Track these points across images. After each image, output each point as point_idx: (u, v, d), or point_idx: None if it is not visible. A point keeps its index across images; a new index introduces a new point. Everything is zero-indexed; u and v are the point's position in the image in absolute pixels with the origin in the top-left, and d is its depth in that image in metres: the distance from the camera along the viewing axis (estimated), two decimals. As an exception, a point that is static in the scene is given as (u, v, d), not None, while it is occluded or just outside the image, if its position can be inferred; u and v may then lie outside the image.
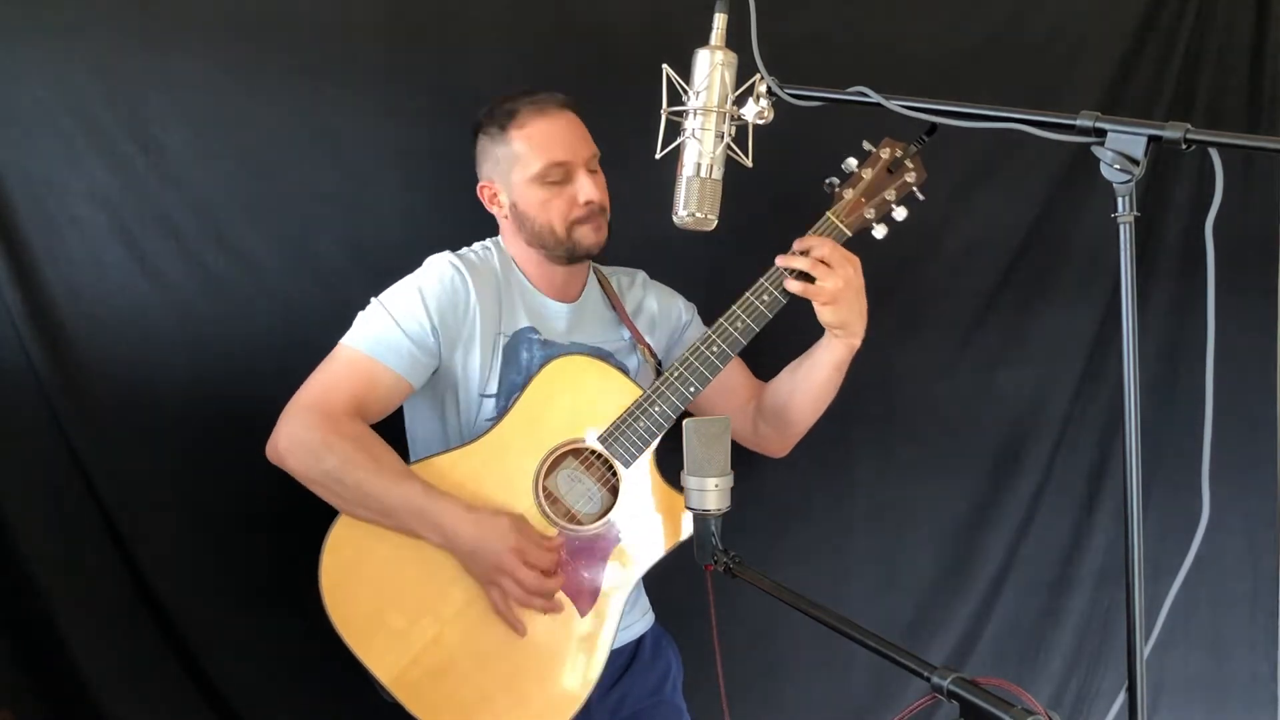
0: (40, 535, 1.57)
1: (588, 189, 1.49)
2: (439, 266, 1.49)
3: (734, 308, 1.47)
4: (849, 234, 1.48)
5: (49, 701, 1.60)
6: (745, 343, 1.47)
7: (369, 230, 1.72)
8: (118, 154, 1.60)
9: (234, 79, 1.64)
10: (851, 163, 1.49)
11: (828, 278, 1.41)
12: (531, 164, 1.48)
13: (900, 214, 1.50)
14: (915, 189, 1.50)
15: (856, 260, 1.44)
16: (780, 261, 1.45)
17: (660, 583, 1.65)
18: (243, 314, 1.67)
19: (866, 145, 1.50)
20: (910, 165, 1.49)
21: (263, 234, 1.68)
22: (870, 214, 1.48)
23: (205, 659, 1.68)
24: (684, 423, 1.23)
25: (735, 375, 1.65)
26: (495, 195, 1.54)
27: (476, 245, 1.59)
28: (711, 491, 1.22)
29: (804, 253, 1.43)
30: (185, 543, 1.66)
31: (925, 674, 0.95)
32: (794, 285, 1.43)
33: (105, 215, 1.60)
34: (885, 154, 1.48)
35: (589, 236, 1.51)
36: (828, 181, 1.50)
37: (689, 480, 1.23)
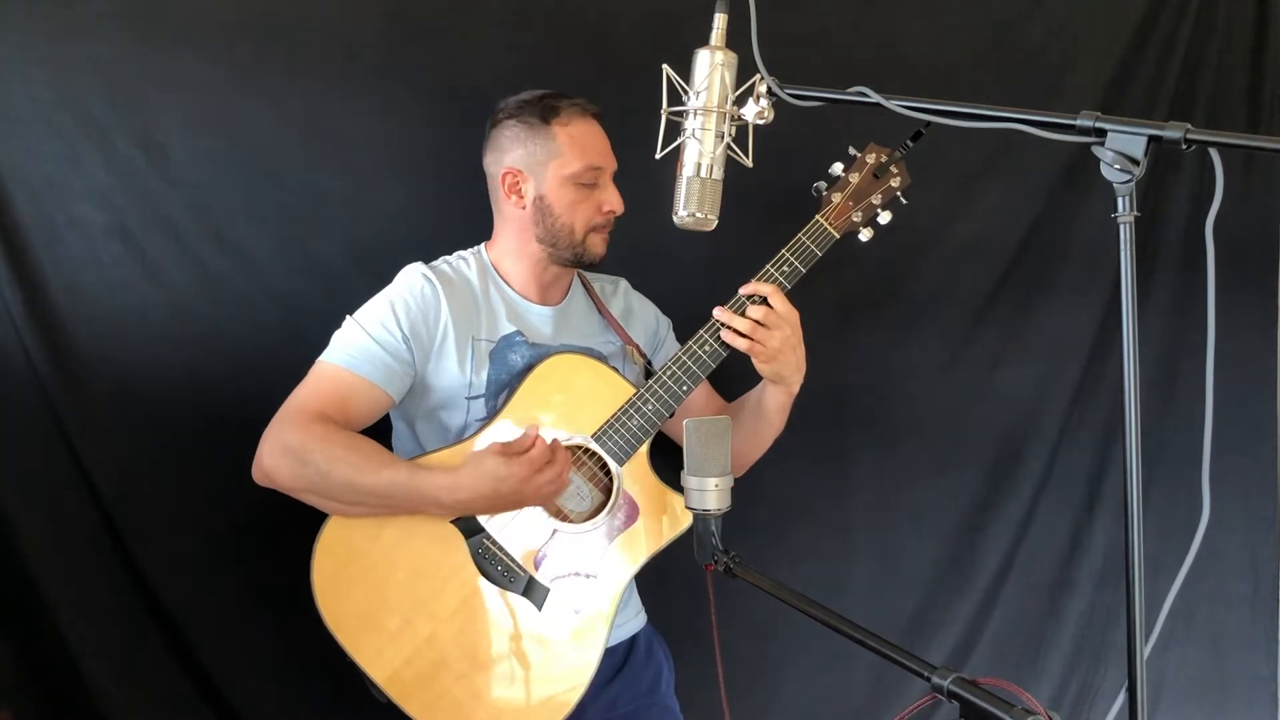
0: (40, 535, 1.57)
1: (614, 199, 1.53)
2: (409, 278, 1.50)
3: (701, 331, 1.48)
4: (837, 236, 1.52)
5: (49, 701, 1.60)
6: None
7: (369, 230, 1.72)
8: (118, 154, 1.59)
9: (234, 79, 1.63)
10: (838, 167, 1.53)
11: (766, 339, 1.44)
12: (571, 162, 1.49)
13: (885, 218, 1.54)
14: (899, 194, 1.54)
15: (795, 316, 1.46)
16: (719, 316, 1.46)
17: (660, 583, 1.65)
18: (243, 314, 1.67)
19: (852, 150, 1.53)
20: (895, 170, 1.53)
21: (263, 234, 1.68)
22: (857, 217, 1.52)
23: (205, 658, 1.68)
24: (685, 422, 1.24)
25: (701, 395, 1.67)
26: (518, 184, 1.52)
27: (453, 255, 1.59)
28: (711, 491, 1.22)
29: (750, 297, 1.46)
30: (185, 542, 1.66)
31: (925, 674, 0.95)
32: (739, 342, 1.45)
33: (105, 215, 1.60)
34: (871, 159, 1.52)
35: (599, 246, 1.54)
36: (815, 186, 1.53)
37: (689, 480, 1.23)
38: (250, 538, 1.68)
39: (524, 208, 1.53)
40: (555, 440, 1.42)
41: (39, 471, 1.58)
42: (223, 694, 1.69)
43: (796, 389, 1.53)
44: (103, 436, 1.61)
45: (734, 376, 1.62)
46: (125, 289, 1.61)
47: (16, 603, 1.56)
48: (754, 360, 1.47)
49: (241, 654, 1.70)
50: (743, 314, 1.46)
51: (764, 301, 1.45)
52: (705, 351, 1.48)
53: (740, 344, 1.45)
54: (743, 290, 1.47)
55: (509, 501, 1.39)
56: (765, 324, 1.44)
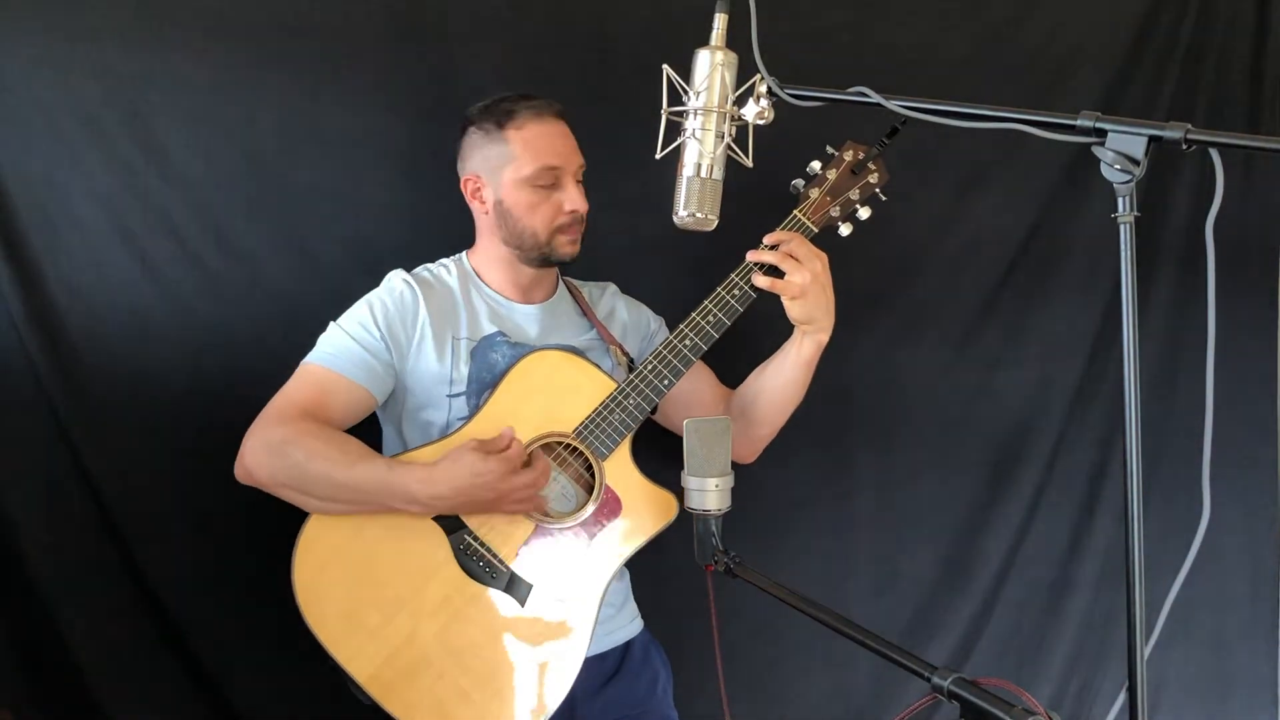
0: (40, 534, 1.58)
1: (575, 198, 1.51)
2: (389, 282, 1.53)
3: (706, 302, 1.49)
4: (815, 230, 1.52)
5: (49, 701, 1.60)
6: (717, 336, 1.48)
7: (369, 229, 1.73)
8: (118, 154, 1.60)
9: (234, 79, 1.64)
10: (816, 165, 1.54)
11: (795, 272, 1.44)
12: (525, 166, 1.49)
13: (864, 214, 1.55)
14: (878, 190, 1.55)
15: (824, 256, 1.47)
16: (751, 256, 1.47)
17: (660, 583, 1.65)
18: (243, 314, 1.67)
19: (830, 149, 1.53)
20: (873, 167, 1.54)
21: (263, 234, 1.68)
22: (835, 212, 1.53)
23: (204, 657, 1.68)
24: (685, 423, 1.24)
25: (701, 381, 1.66)
26: (479, 191, 1.54)
27: (434, 263, 1.60)
28: (712, 492, 1.22)
29: (773, 247, 1.46)
30: (184, 541, 1.66)
31: (926, 674, 0.96)
32: (762, 280, 1.46)
33: (105, 215, 1.60)
34: (848, 156, 1.53)
35: (565, 246, 1.53)
36: (793, 183, 1.54)
37: (689, 481, 1.23)
38: (250, 537, 1.68)
39: (487, 212, 1.54)
40: (537, 449, 1.42)
41: (39, 471, 1.58)
42: (223, 693, 1.69)
43: (827, 337, 1.52)
44: (103, 436, 1.61)
45: (736, 370, 1.61)
46: (125, 289, 1.62)
47: (16, 603, 1.56)
48: (784, 299, 1.46)
49: (241, 654, 1.70)
50: (750, 280, 1.46)
51: (767, 271, 1.46)
52: (686, 345, 1.47)
53: (764, 282, 1.45)
54: (767, 239, 1.47)
55: (483, 500, 1.38)
56: (796, 257, 1.44)
